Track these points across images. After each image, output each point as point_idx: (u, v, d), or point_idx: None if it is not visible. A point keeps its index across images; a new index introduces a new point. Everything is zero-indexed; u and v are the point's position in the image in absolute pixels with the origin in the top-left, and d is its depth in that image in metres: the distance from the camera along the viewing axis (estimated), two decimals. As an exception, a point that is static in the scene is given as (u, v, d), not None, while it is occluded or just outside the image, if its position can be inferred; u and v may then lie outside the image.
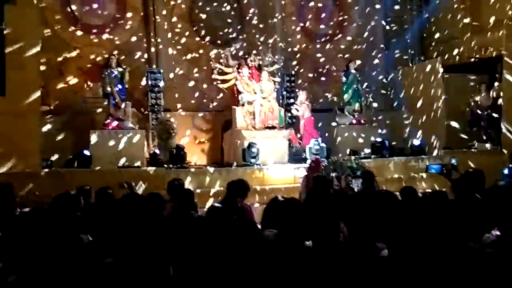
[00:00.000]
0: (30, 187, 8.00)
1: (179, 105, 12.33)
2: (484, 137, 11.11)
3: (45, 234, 2.89)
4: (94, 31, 11.91)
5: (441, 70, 11.77)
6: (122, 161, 9.73)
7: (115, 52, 11.05)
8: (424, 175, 9.56)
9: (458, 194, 4.21)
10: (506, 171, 6.60)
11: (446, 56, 12.45)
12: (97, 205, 4.19)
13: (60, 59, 11.49)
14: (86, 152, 9.65)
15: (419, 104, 12.31)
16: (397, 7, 13.88)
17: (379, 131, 12.13)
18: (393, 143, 11.85)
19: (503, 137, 10.19)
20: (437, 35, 13.36)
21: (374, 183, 5.35)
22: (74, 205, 4.04)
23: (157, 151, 10.31)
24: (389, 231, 2.82)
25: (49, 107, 10.98)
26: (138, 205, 3.47)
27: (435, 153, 11.40)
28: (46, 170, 9.11)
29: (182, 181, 5.32)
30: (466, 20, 12.35)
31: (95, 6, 11.88)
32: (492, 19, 11.60)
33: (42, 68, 10.37)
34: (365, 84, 12.65)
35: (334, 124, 12.10)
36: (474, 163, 8.45)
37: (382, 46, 14.02)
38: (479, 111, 11.18)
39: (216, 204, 3.82)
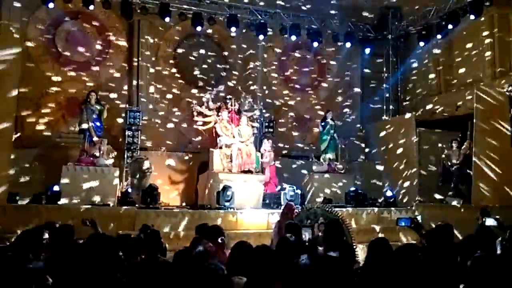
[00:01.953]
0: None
1: (156, 145, 12.27)
2: (454, 192, 11.29)
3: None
4: (76, 67, 11.95)
5: (414, 125, 12.12)
6: (93, 198, 9.49)
7: (96, 89, 11.07)
8: (396, 227, 9.60)
9: (426, 248, 4.23)
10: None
11: (420, 112, 12.90)
12: (55, 244, 3.97)
13: (39, 92, 11.41)
14: (56, 188, 9.38)
15: (393, 156, 12.58)
16: (375, 62, 14.46)
17: (354, 180, 12.25)
18: (366, 193, 11.97)
19: (473, 193, 10.41)
20: (411, 91, 13.93)
21: (343, 233, 5.31)
22: (37, 242, 3.89)
23: (130, 190, 10.11)
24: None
25: (22, 140, 10.75)
26: (105, 247, 3.34)
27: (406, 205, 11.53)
28: (12, 204, 8.81)
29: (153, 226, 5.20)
30: (439, 79, 12.95)
31: (79, 42, 11.98)
32: (462, 80, 12.20)
33: (19, 100, 10.28)
34: (341, 134, 12.90)
35: (309, 171, 12.21)
36: (445, 218, 8.57)
37: (359, 98, 14.47)
38: (450, 167, 11.45)
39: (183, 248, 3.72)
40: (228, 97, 12.21)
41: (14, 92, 9.41)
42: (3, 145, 9.06)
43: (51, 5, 10.75)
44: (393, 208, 11.02)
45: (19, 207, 8.78)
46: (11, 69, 9.44)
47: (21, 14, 11.06)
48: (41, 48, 11.65)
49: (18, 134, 10.61)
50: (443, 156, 11.81)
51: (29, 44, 11.35)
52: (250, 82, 13.48)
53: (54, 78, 11.67)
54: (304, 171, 12.46)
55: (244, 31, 12.95)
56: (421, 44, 12.74)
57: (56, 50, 11.79)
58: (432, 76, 13.27)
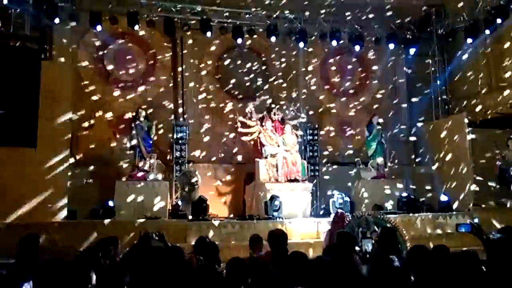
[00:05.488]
0: (54, 236, 8.10)
1: (203, 157, 12.48)
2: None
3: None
4: (124, 85, 12.40)
5: (466, 125, 11.66)
6: (145, 212, 9.77)
7: (144, 106, 11.44)
8: (453, 232, 9.21)
9: (491, 253, 4.03)
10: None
11: (471, 111, 12.37)
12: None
13: (91, 112, 11.92)
14: (110, 203, 9.75)
15: (444, 159, 12.13)
16: (420, 62, 14.04)
17: (404, 186, 11.87)
18: (419, 198, 11.58)
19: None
20: (460, 90, 13.38)
21: (397, 241, 5.14)
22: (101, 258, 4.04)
23: (180, 203, 10.33)
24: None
25: (77, 158, 11.24)
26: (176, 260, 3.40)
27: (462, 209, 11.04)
28: (71, 220, 9.21)
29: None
30: (490, 76, 12.38)
31: (126, 62, 12.44)
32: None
33: (73, 120, 10.79)
34: (389, 138, 12.58)
35: (358, 177, 11.98)
36: (505, 221, 8.15)
37: (405, 101, 14.09)
38: (507, 167, 10.91)
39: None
40: (271, 106, 12.25)
41: (69, 113, 9.90)
42: (61, 164, 9.52)
43: (98, 27, 11.26)
44: (448, 213, 10.59)
45: (77, 223, 9.15)
46: (65, 92, 9.96)
47: (71, 39, 11.66)
48: (91, 69, 12.18)
49: (74, 153, 11.10)
50: (499, 156, 11.27)
51: (80, 66, 11.90)
52: (293, 90, 13.46)
53: (104, 98, 12.16)
54: (352, 178, 12.25)
55: (283, 39, 12.97)
56: (469, 40, 12.27)
57: (105, 70, 12.30)
58: (482, 73, 12.70)
